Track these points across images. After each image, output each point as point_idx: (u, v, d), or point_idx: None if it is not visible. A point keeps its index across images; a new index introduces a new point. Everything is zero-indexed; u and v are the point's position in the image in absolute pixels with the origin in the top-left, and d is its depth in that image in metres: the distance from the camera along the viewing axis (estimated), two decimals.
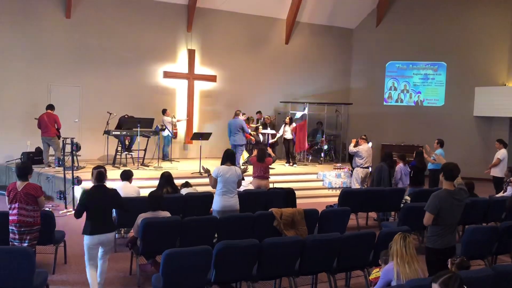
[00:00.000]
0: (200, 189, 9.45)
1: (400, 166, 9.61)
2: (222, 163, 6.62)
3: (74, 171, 9.39)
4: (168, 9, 13.81)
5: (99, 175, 5.24)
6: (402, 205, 8.59)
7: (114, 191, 5.42)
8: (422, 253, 4.92)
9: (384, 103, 16.78)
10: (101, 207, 5.19)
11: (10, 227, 5.35)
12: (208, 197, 7.34)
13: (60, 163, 10.35)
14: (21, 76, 12.17)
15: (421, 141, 15.41)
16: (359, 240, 5.52)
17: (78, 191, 9.44)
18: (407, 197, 9.02)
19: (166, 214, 5.85)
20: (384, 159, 9.70)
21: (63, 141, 10.26)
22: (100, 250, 5.29)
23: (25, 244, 5.31)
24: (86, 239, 5.16)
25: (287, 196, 7.41)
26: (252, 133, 13.24)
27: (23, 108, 12.13)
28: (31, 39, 12.23)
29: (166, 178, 7.40)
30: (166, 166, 12.12)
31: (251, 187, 8.38)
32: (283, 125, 13.58)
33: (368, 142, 10.74)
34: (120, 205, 5.49)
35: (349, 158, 12.28)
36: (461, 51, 15.88)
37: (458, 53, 15.89)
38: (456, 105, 15.93)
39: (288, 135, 13.37)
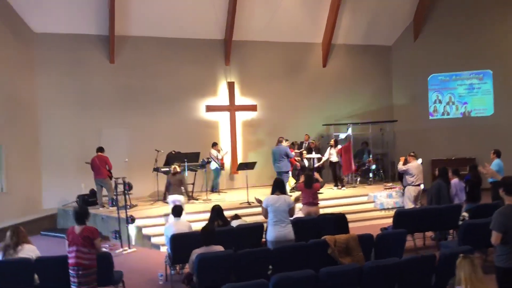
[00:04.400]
0: (250, 219, 9.52)
1: (455, 181, 9.27)
2: (272, 193, 6.63)
3: (127, 210, 9.65)
4: (206, 45, 14.21)
5: (173, 170, 10.38)
6: (460, 222, 8.25)
7: (182, 175, 10.61)
8: (487, 272, 4.67)
9: (430, 117, 16.36)
10: (176, 183, 10.14)
11: (69, 271, 5.51)
12: (259, 227, 7.35)
13: (114, 203, 10.66)
14: (72, 121, 12.78)
15: (472, 153, 14.87)
16: (419, 264, 5.32)
17: (132, 229, 9.68)
18: (465, 214, 8.63)
19: (219, 248, 5.87)
20: (440, 175, 9.35)
21: (115, 181, 10.58)
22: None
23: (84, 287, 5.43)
24: (169, 198, 10.03)
25: (339, 222, 7.25)
26: (297, 158, 13.20)
27: (75, 152, 12.66)
28: (80, 85, 12.88)
29: (217, 211, 7.47)
30: (215, 198, 12.25)
31: (301, 214, 8.29)
32: (329, 147, 13.44)
33: (417, 159, 10.45)
34: (184, 183, 10.52)
35: (399, 177, 11.94)
36: (506, 56, 15.34)
37: (503, 58, 15.37)
38: (507, 113, 15.29)
39: (334, 158, 13.21)
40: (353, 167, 13.31)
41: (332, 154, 13.22)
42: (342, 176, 13.46)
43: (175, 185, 10.17)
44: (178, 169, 10.47)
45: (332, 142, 13.42)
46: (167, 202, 10.42)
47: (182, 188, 10.35)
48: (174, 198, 9.89)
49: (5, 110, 11.60)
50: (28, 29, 12.31)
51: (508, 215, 4.55)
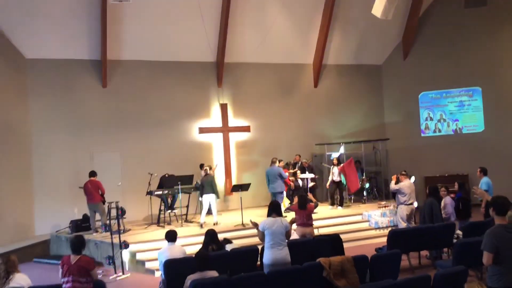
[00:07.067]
0: (244, 241, 9.50)
1: (448, 199, 9.31)
2: (268, 215, 6.63)
3: (121, 235, 9.57)
4: (198, 67, 14.32)
5: (205, 172, 11.68)
6: (454, 240, 8.27)
7: (211, 177, 11.60)
8: None
9: (422, 135, 16.49)
10: (207, 183, 11.33)
11: None
12: (254, 251, 7.31)
13: (107, 228, 10.55)
14: (65, 146, 12.77)
15: (465, 169, 14.96)
16: (414, 285, 5.31)
17: (126, 255, 9.59)
18: (459, 232, 8.68)
19: (214, 273, 5.82)
20: (431, 194, 9.39)
21: (108, 206, 10.49)
22: (210, 204, 11.35)
23: None
24: (203, 197, 11.38)
25: (334, 243, 7.25)
26: (291, 178, 13.19)
27: (68, 176, 12.64)
28: (72, 110, 12.90)
29: (211, 236, 7.41)
30: (209, 220, 12.17)
31: (295, 236, 8.27)
32: (331, 167, 13.32)
33: (410, 178, 10.49)
34: (215, 184, 11.51)
35: (393, 195, 11.99)
36: (495, 73, 15.55)
37: (491, 76, 15.57)
38: (498, 129, 15.43)
39: (336, 177, 13.00)
40: (357, 182, 13.13)
41: (334, 173, 13.09)
42: (344, 195, 13.31)
43: (207, 185, 11.31)
44: (209, 171, 11.74)
45: (335, 161, 13.27)
46: (201, 200, 11.75)
47: (213, 187, 11.43)
48: (208, 198, 11.33)
49: None
50: (20, 55, 12.37)
51: (498, 235, 4.57)
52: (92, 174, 11.36)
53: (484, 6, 15.58)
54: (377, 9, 11.27)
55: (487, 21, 15.63)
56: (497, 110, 15.52)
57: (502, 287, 4.58)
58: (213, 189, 11.39)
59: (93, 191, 11.10)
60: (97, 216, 11.42)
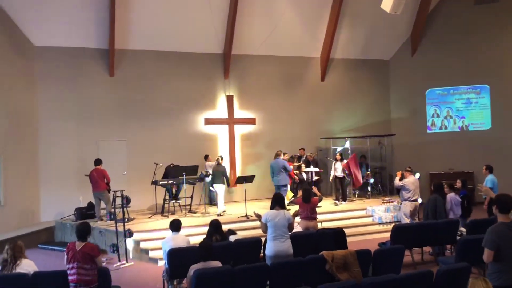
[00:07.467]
0: (248, 233, 9.55)
1: (451, 195, 9.31)
2: (271, 208, 6.66)
3: (125, 224, 9.64)
4: (205, 59, 14.31)
5: (217, 162, 12.13)
6: (458, 237, 8.27)
7: (223, 167, 12.04)
8: None
9: (428, 131, 16.43)
10: (218, 173, 11.82)
11: (70, 287, 5.50)
12: (257, 242, 7.34)
13: (112, 216, 10.63)
14: (71, 134, 12.84)
15: (470, 167, 14.92)
16: (416, 280, 5.32)
17: (130, 243, 9.66)
18: (462, 229, 8.69)
19: (217, 263, 5.86)
20: (436, 190, 9.38)
21: (113, 194, 10.56)
22: (218, 192, 11.82)
23: None
24: (214, 186, 11.88)
25: (337, 237, 7.27)
26: (295, 171, 13.19)
27: (74, 164, 12.71)
28: (79, 98, 12.95)
29: (215, 226, 7.46)
30: (213, 211, 12.24)
31: (299, 229, 8.30)
32: (333, 162, 13.29)
33: (414, 174, 10.47)
34: (226, 175, 12.04)
35: (397, 191, 11.97)
36: (503, 71, 15.44)
37: (500, 74, 15.45)
38: (504, 127, 15.34)
39: (339, 173, 12.94)
40: (360, 178, 13.17)
41: (337, 169, 13.02)
42: (346, 191, 13.29)
43: (218, 175, 11.82)
44: (221, 161, 12.19)
45: (338, 156, 13.15)
46: (212, 189, 12.37)
47: (224, 177, 11.95)
48: (219, 187, 11.81)
49: (5, 122, 11.67)
50: (29, 43, 12.42)
51: (500, 233, 4.58)
52: (98, 162, 11.41)
53: (495, 3, 15.43)
54: (387, 4, 11.21)
55: (497, 18, 15.48)
56: (505, 108, 15.42)
57: (502, 285, 4.59)
58: (223, 180, 11.81)
59: (98, 180, 11.16)
60: (102, 204, 11.50)
